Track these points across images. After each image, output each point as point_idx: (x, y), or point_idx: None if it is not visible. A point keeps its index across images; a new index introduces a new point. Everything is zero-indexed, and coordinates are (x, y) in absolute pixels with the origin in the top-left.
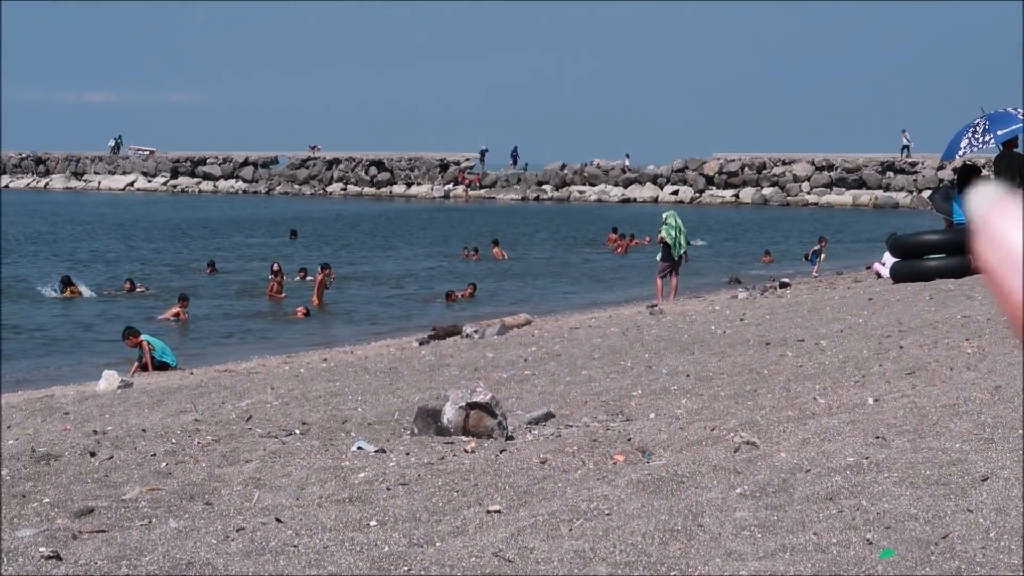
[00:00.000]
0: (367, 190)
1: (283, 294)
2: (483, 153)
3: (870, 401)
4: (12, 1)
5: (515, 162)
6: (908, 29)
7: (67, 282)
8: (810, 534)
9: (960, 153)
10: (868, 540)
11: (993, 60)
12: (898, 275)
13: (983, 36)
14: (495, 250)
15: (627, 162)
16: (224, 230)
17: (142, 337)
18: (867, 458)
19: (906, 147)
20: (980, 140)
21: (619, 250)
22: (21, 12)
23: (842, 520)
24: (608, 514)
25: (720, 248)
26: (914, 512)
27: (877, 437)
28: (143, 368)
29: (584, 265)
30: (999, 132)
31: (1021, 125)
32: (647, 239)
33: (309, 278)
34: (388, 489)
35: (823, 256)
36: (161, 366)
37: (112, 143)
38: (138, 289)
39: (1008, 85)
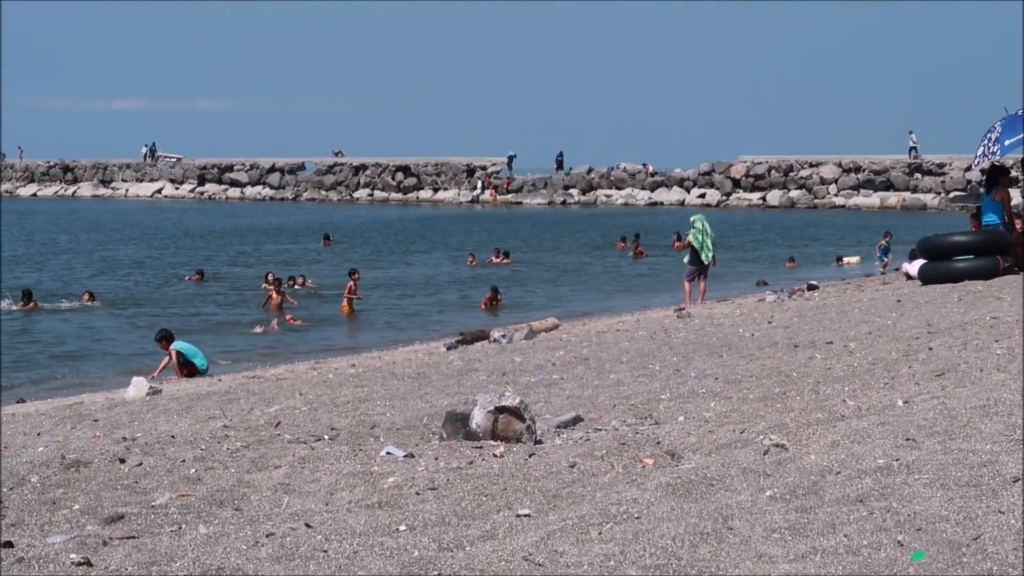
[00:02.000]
0: (394, 196)
1: (290, 301)
2: (511, 159)
3: (900, 403)
4: (42, 5)
5: (560, 167)
6: (936, 29)
7: (27, 295)
8: (841, 536)
9: (975, 162)
10: (899, 542)
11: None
12: (927, 276)
13: (1009, 36)
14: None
15: (649, 171)
16: (257, 237)
17: (172, 346)
18: (897, 460)
19: (913, 148)
20: (990, 150)
21: (636, 254)
22: (51, 22)
23: (873, 522)
24: (638, 517)
25: (747, 251)
26: (945, 514)
27: (907, 439)
28: (177, 372)
29: (608, 270)
30: (1007, 142)
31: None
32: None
33: (309, 283)
34: (417, 494)
35: (891, 253)
36: (190, 371)
37: (144, 150)
38: (95, 302)
39: None
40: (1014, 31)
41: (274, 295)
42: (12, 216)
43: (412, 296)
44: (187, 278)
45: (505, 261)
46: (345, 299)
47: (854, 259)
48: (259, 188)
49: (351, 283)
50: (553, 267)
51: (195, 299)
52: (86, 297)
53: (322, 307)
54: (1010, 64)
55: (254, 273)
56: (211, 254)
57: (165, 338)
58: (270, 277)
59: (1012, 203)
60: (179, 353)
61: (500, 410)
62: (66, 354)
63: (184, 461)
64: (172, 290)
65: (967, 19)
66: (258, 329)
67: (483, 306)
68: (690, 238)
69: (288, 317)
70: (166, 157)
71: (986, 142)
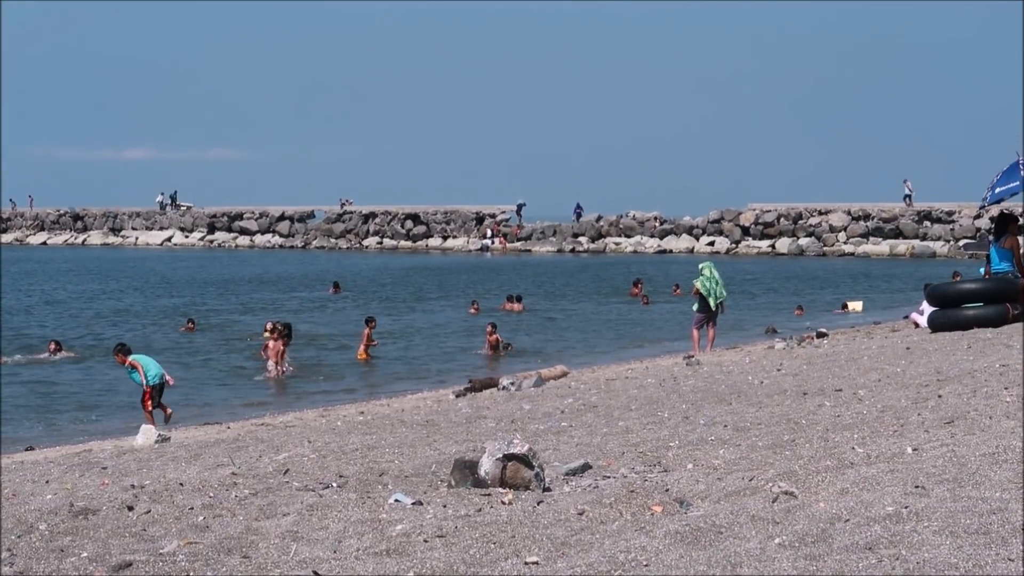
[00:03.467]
0: (403, 243)
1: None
2: (520, 207)
3: (909, 450)
4: (52, 55)
5: (578, 218)
6: (946, 74)
7: None
8: None
9: (980, 204)
10: None
11: None
12: (936, 324)
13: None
14: (513, 305)
15: (655, 224)
16: (266, 285)
17: (130, 357)
18: (906, 507)
19: (908, 196)
20: (986, 194)
21: (644, 302)
22: (61, 72)
23: (881, 570)
24: (646, 565)
25: (756, 299)
26: (954, 561)
27: (916, 486)
28: (146, 396)
29: (618, 317)
30: (997, 189)
31: (1016, 186)
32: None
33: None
34: (425, 541)
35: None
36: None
37: (161, 198)
38: (63, 352)
39: None
40: None
41: (270, 343)
42: (13, 264)
43: (420, 344)
44: (181, 328)
45: (517, 307)
46: (362, 346)
47: (858, 305)
48: (269, 236)
49: (367, 330)
50: (562, 314)
51: (181, 348)
52: (52, 347)
53: (332, 354)
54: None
55: (253, 321)
56: (215, 302)
57: (123, 351)
58: (268, 326)
59: (1022, 251)
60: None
61: (509, 457)
62: (74, 402)
63: (192, 508)
64: (164, 338)
65: (979, 64)
66: (262, 376)
67: (488, 347)
68: (698, 285)
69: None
70: (168, 205)
71: (990, 186)
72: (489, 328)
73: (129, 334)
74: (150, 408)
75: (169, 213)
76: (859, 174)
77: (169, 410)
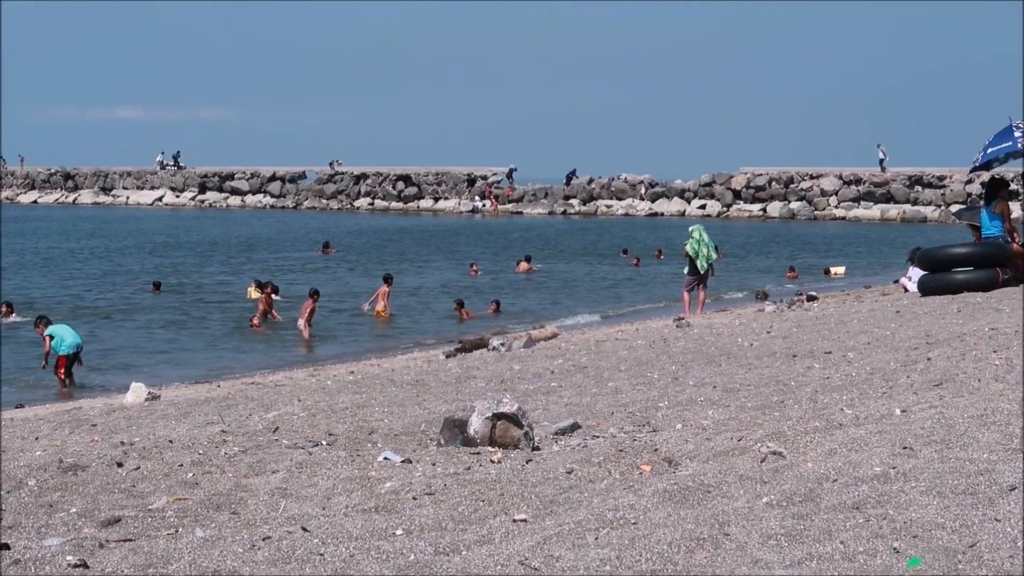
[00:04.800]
0: (394, 204)
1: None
2: (511, 171)
3: (897, 412)
4: (46, 14)
5: (568, 183)
6: (939, 40)
7: None
8: (837, 543)
9: (972, 165)
10: (895, 549)
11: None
12: (926, 288)
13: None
14: (523, 264)
15: (643, 190)
16: (256, 247)
17: (45, 330)
18: (894, 468)
19: (882, 161)
20: (977, 156)
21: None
22: (54, 31)
23: (869, 529)
24: (634, 523)
25: (747, 262)
26: (941, 521)
27: (904, 447)
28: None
29: (609, 279)
30: (989, 150)
31: (1008, 146)
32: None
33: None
34: (414, 499)
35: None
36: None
37: (160, 158)
38: (14, 316)
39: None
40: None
41: (305, 304)
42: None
43: (416, 306)
44: (152, 290)
45: (525, 267)
46: (382, 302)
47: (840, 269)
48: (260, 197)
49: (386, 288)
50: (554, 276)
51: (164, 308)
52: (3, 309)
53: (330, 317)
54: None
55: (240, 283)
56: (202, 263)
57: (42, 322)
58: (253, 285)
59: (1012, 216)
60: (50, 337)
61: (498, 416)
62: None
63: (181, 465)
64: (143, 299)
65: (972, 30)
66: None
67: (465, 315)
68: (688, 248)
69: (254, 321)
70: (170, 165)
71: (981, 149)
72: (455, 305)
73: (112, 295)
74: (62, 375)
75: (170, 174)
76: (850, 138)
77: (67, 386)
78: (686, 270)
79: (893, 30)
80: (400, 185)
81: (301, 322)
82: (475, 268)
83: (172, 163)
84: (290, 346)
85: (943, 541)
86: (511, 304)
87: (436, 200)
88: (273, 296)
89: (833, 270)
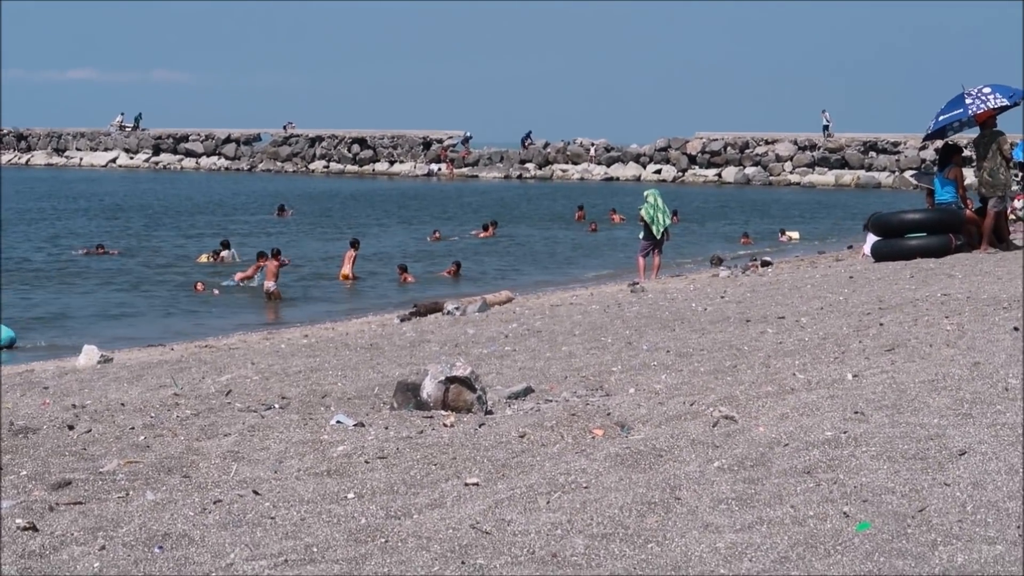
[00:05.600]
0: (349, 167)
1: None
2: (467, 139)
3: (849, 377)
4: None
5: (525, 147)
6: (896, 10)
7: None
8: (787, 507)
9: (925, 133)
10: (845, 513)
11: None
12: (879, 254)
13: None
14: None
15: (592, 152)
16: (210, 210)
17: None
18: (845, 432)
19: (826, 127)
20: (930, 124)
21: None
22: None
23: (819, 493)
24: (586, 487)
25: (702, 227)
26: (891, 486)
27: (856, 412)
28: None
29: (565, 243)
30: (941, 117)
31: (959, 114)
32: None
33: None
34: (366, 462)
35: None
36: None
37: (120, 119)
38: None
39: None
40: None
41: (269, 263)
42: None
43: (373, 270)
44: (82, 251)
45: (484, 234)
46: (348, 266)
47: (795, 234)
48: (214, 159)
49: (352, 252)
50: (510, 240)
51: (115, 272)
52: None
53: (287, 281)
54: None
55: (194, 246)
56: (155, 226)
57: None
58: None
59: (965, 182)
60: None
61: (451, 380)
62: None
63: (133, 428)
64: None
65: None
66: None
67: (406, 279)
68: (643, 213)
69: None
70: (116, 125)
71: (970, 99)
72: (398, 270)
73: (63, 258)
74: None
75: (124, 135)
76: (805, 104)
77: None
78: (641, 235)
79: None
80: (356, 148)
81: (269, 283)
82: (437, 234)
83: (133, 125)
84: (244, 309)
85: (893, 505)
86: (470, 269)
87: (391, 163)
88: (230, 259)
89: (788, 234)
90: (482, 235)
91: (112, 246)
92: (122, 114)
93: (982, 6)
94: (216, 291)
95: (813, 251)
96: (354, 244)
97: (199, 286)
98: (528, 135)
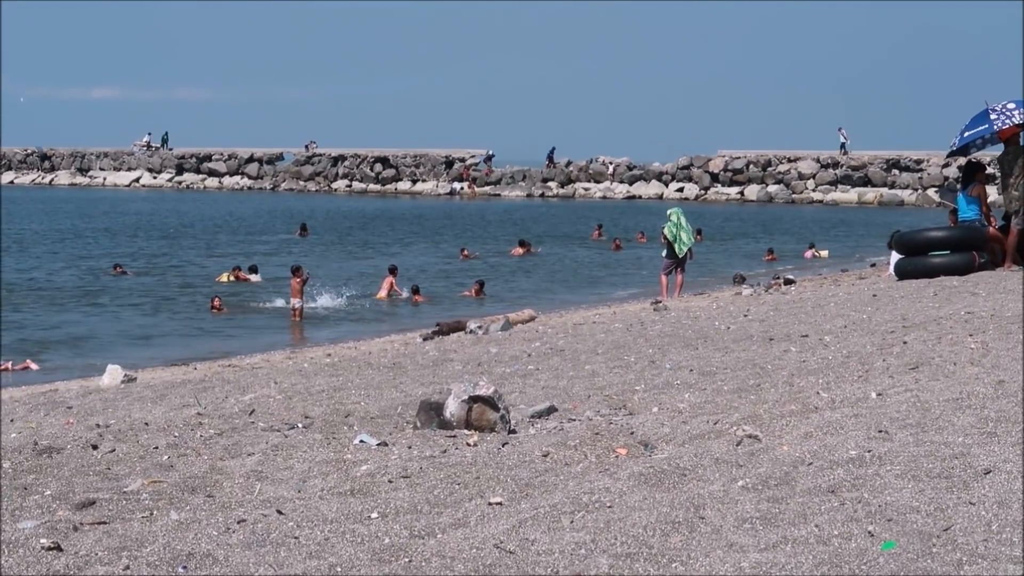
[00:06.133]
0: (372, 187)
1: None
2: (490, 157)
3: (873, 395)
4: (16, 1)
5: (551, 162)
6: (918, 28)
7: None
8: (812, 526)
9: (949, 149)
10: (870, 532)
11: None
12: (902, 271)
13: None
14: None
15: (610, 170)
16: (233, 229)
17: None
18: (869, 451)
19: (843, 144)
20: (954, 140)
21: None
22: (27, 11)
23: (844, 512)
24: (610, 506)
25: (725, 246)
26: (916, 505)
27: (880, 431)
28: None
29: (588, 262)
30: (966, 134)
31: (984, 130)
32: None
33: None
34: (390, 482)
35: None
36: None
37: (147, 138)
38: None
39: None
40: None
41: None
42: None
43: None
44: (114, 271)
45: (521, 251)
46: (384, 291)
47: (824, 252)
48: (237, 178)
49: (391, 279)
50: (540, 259)
51: (137, 291)
52: None
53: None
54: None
55: (215, 265)
56: (179, 245)
57: None
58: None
59: (988, 199)
60: None
61: (474, 399)
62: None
63: (157, 448)
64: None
65: (952, 14)
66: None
67: (418, 299)
68: (665, 231)
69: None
70: (142, 145)
71: (994, 115)
72: (475, 287)
73: (88, 276)
74: None
75: (148, 155)
76: (827, 122)
77: None
78: (664, 253)
79: (871, 11)
80: (378, 167)
81: (295, 300)
82: (465, 252)
83: (160, 145)
84: (268, 329)
85: (918, 524)
86: (495, 288)
87: (414, 182)
88: (254, 278)
89: (817, 252)
90: (520, 252)
91: (131, 266)
92: (149, 134)
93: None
94: (226, 308)
95: (836, 269)
96: (392, 271)
97: (216, 302)
98: (552, 152)
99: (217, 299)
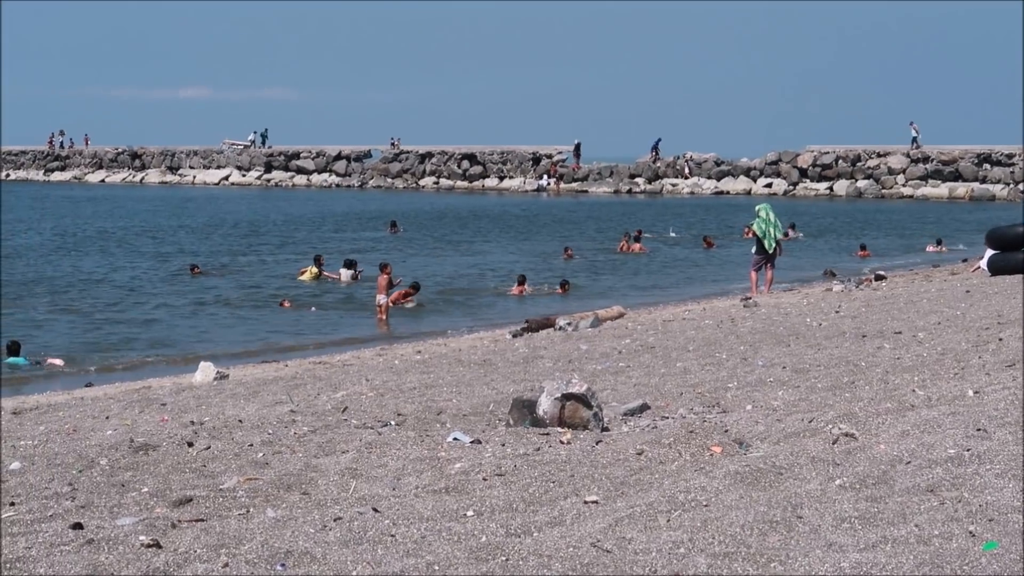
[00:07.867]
0: (459, 183)
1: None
2: (577, 147)
3: (970, 393)
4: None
5: (655, 154)
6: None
7: None
8: (911, 526)
9: None
10: (971, 532)
11: None
12: (995, 267)
13: None
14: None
15: (686, 169)
16: (323, 226)
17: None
18: (968, 450)
19: (915, 139)
20: None
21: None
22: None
23: (944, 512)
24: (706, 505)
25: (814, 241)
26: (1017, 504)
27: (978, 429)
28: None
29: (679, 259)
30: None
31: None
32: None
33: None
34: (484, 480)
35: None
36: None
37: (254, 136)
38: None
39: None
40: None
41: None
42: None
43: (482, 281)
44: (190, 270)
45: (636, 248)
46: (516, 291)
47: (943, 248)
48: (325, 176)
49: (522, 286)
50: (621, 255)
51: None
52: None
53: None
54: None
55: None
56: (270, 242)
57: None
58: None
59: None
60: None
61: (567, 397)
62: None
63: (251, 445)
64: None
65: None
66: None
67: (566, 289)
68: (754, 227)
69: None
70: (233, 144)
71: None
72: (519, 281)
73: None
74: None
75: (253, 152)
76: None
77: None
78: (753, 249)
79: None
80: (465, 164)
81: (381, 297)
82: (569, 251)
83: (262, 143)
84: (357, 325)
85: (1020, 525)
86: (585, 285)
87: (501, 179)
88: (343, 274)
89: (941, 247)
90: (635, 248)
91: (211, 264)
92: (255, 132)
93: None
94: (313, 308)
95: (927, 264)
96: (522, 281)
97: (286, 304)
98: (658, 143)
99: (287, 301)
